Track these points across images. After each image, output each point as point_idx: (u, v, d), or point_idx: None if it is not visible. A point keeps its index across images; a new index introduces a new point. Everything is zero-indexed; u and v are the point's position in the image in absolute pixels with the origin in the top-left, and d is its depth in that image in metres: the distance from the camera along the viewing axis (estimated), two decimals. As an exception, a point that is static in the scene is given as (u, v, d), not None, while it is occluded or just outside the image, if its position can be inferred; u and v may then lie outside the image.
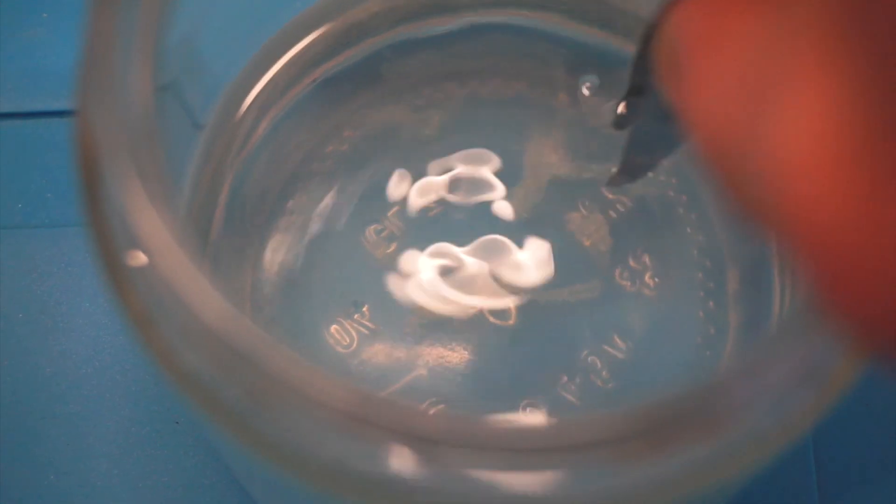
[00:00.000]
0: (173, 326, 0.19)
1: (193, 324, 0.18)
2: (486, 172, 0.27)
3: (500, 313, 0.26)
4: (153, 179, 0.18)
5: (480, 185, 0.27)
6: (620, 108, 0.22)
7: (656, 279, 0.27)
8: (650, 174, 0.27)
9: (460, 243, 0.27)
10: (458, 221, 0.27)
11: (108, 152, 0.18)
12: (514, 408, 0.25)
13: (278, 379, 0.17)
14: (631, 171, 0.24)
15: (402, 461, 0.17)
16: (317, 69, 0.27)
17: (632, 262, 0.27)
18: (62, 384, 0.28)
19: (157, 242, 0.18)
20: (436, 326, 0.26)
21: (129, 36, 0.19)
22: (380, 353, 0.26)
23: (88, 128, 0.19)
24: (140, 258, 0.18)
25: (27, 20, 0.31)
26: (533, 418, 0.25)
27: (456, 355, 0.26)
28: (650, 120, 0.22)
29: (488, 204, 0.27)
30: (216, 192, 0.26)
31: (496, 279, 0.26)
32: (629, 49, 0.27)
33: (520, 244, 0.27)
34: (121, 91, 0.18)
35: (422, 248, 0.27)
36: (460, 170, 0.27)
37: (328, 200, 0.27)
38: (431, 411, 0.25)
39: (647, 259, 0.27)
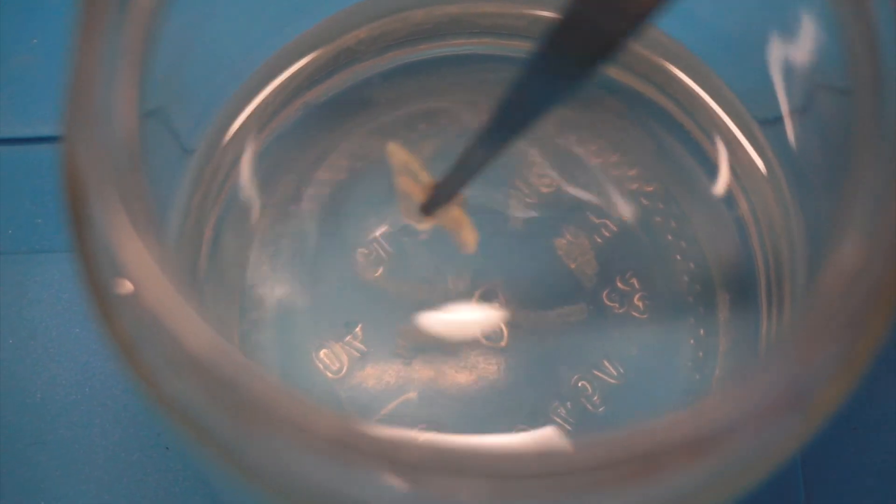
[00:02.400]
0: (159, 354, 0.19)
1: (178, 352, 0.18)
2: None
3: (492, 335, 0.26)
4: (138, 208, 0.18)
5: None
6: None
7: (646, 301, 0.27)
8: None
9: (448, 266, 0.27)
10: (446, 244, 0.27)
11: (93, 181, 0.18)
12: (506, 432, 0.26)
13: (263, 407, 0.18)
14: (443, 197, 0.25)
15: (385, 488, 0.17)
16: (305, 95, 0.27)
17: (620, 285, 0.27)
18: (52, 409, 0.28)
19: (141, 271, 0.18)
20: (427, 349, 0.26)
21: (115, 63, 0.19)
22: (370, 376, 0.26)
23: (74, 155, 0.19)
24: (126, 287, 0.18)
25: (16, 46, 0.31)
26: (517, 444, 0.25)
27: (447, 379, 0.26)
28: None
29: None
30: (205, 217, 0.26)
31: (487, 302, 0.26)
32: (622, 79, 0.28)
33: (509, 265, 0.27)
34: (106, 119, 0.18)
35: (410, 271, 0.27)
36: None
37: (316, 225, 0.27)
38: (421, 437, 0.25)
39: (635, 282, 0.27)
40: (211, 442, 0.19)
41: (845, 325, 0.18)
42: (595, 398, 0.26)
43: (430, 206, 0.25)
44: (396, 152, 0.24)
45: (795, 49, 0.24)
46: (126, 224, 0.18)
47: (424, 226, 0.25)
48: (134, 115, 0.19)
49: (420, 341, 0.26)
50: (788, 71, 0.25)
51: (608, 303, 0.27)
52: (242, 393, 0.17)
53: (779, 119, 0.26)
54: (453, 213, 0.25)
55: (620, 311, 0.27)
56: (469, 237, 0.25)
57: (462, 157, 0.23)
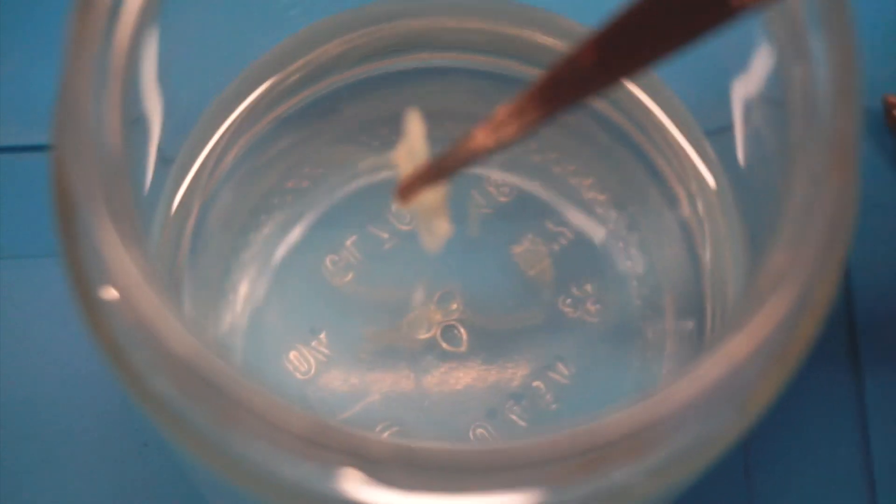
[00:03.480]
0: (143, 356, 0.20)
1: (162, 355, 0.19)
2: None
3: (451, 339, 0.28)
4: (124, 217, 0.20)
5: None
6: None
7: (598, 306, 0.28)
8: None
9: (411, 273, 0.28)
10: (411, 252, 0.28)
11: (82, 190, 0.20)
12: (465, 431, 0.27)
13: (240, 405, 0.19)
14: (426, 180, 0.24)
15: (351, 482, 0.19)
16: (277, 108, 0.29)
17: (574, 291, 0.28)
18: (36, 406, 0.29)
19: (127, 279, 0.19)
20: (389, 353, 0.28)
21: (102, 78, 0.20)
22: (336, 379, 0.28)
23: (63, 165, 0.21)
24: (112, 293, 0.20)
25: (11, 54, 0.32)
26: (472, 442, 0.27)
27: (408, 381, 0.28)
28: None
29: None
30: (182, 224, 0.28)
31: (447, 306, 0.28)
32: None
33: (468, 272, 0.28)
34: (94, 131, 0.20)
35: (378, 277, 0.28)
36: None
37: (288, 232, 0.28)
38: (384, 435, 0.27)
39: (588, 287, 0.28)
40: (191, 438, 0.20)
41: (775, 325, 0.20)
42: (548, 397, 0.27)
43: (409, 188, 0.24)
44: (413, 121, 0.24)
45: (740, 65, 0.25)
46: (113, 233, 0.19)
47: (400, 205, 0.24)
48: (119, 127, 0.20)
49: (382, 345, 0.28)
50: (734, 84, 0.26)
51: (562, 307, 0.28)
52: (222, 393, 0.19)
53: (726, 129, 0.27)
54: (432, 199, 0.24)
55: (574, 315, 0.28)
56: (441, 228, 0.24)
57: (457, 144, 0.22)
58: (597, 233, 0.29)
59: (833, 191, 0.19)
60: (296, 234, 0.28)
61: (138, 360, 0.20)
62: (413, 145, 0.24)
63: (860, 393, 0.30)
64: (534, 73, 0.29)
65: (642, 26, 0.19)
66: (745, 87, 0.26)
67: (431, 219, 0.24)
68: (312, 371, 0.27)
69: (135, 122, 0.22)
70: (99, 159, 0.19)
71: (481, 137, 0.21)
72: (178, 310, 0.19)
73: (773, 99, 0.23)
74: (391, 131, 0.29)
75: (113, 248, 0.19)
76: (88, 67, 0.19)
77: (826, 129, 0.20)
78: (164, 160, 0.26)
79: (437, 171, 0.23)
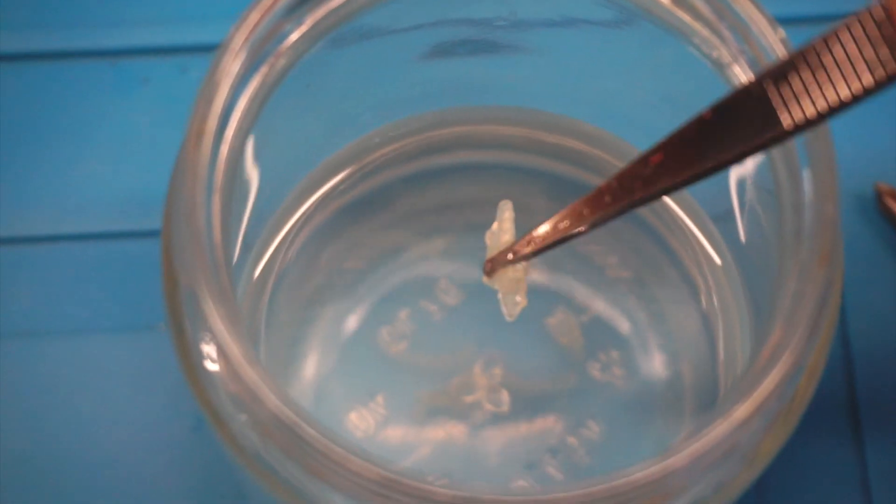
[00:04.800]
0: (241, 417, 0.24)
1: (261, 416, 0.23)
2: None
3: (495, 401, 0.31)
4: (226, 301, 0.23)
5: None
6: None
7: (623, 370, 0.32)
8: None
9: (460, 341, 0.32)
10: (458, 323, 0.32)
11: (194, 280, 0.23)
12: (507, 482, 0.31)
13: (326, 458, 0.23)
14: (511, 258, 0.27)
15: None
16: (339, 199, 0.32)
17: (602, 357, 0.32)
18: (125, 468, 0.33)
19: (233, 354, 0.23)
20: (439, 413, 0.31)
21: (210, 186, 0.24)
22: (392, 435, 0.31)
23: (174, 257, 0.25)
24: (216, 365, 0.24)
25: (84, 154, 0.36)
26: (518, 490, 0.30)
27: (456, 437, 0.31)
28: None
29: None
30: (258, 299, 0.31)
31: (490, 372, 0.32)
32: (593, 180, 0.33)
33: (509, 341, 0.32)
34: (205, 231, 0.24)
35: (429, 346, 0.32)
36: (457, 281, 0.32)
37: (348, 307, 0.32)
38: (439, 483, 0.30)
39: (615, 354, 0.32)
40: (281, 487, 0.24)
41: (775, 390, 0.23)
42: (581, 451, 0.31)
43: (494, 265, 0.27)
44: (504, 209, 0.28)
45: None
46: (219, 315, 0.23)
47: (486, 279, 0.28)
48: (220, 226, 0.24)
49: (433, 406, 0.31)
50: (732, 174, 0.30)
51: (592, 372, 0.32)
52: (312, 448, 0.22)
53: (728, 213, 0.31)
54: (513, 275, 0.27)
55: (602, 378, 0.32)
56: (520, 300, 0.28)
57: (538, 232, 0.26)
58: (621, 305, 0.32)
59: (819, 280, 0.23)
60: (355, 308, 0.32)
61: (236, 421, 0.24)
62: (502, 230, 0.28)
63: (862, 463, 0.33)
64: (562, 167, 0.33)
65: (703, 140, 0.23)
66: (743, 177, 0.29)
67: (512, 291, 0.28)
68: (372, 429, 0.31)
69: (230, 216, 0.26)
70: (207, 254, 0.23)
71: (560, 227, 0.26)
72: (272, 379, 0.23)
73: (767, 188, 0.27)
74: (437, 218, 0.33)
75: (220, 327, 0.23)
76: (201, 182, 0.23)
77: (812, 228, 0.23)
78: (246, 245, 0.29)
79: (518, 253, 0.27)
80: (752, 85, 0.23)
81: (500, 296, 0.28)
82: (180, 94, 0.36)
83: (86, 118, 0.36)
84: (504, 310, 0.28)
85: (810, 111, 0.22)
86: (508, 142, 0.33)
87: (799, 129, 0.22)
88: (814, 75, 0.22)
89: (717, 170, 0.23)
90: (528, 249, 0.26)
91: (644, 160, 0.24)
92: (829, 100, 0.22)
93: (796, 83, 0.22)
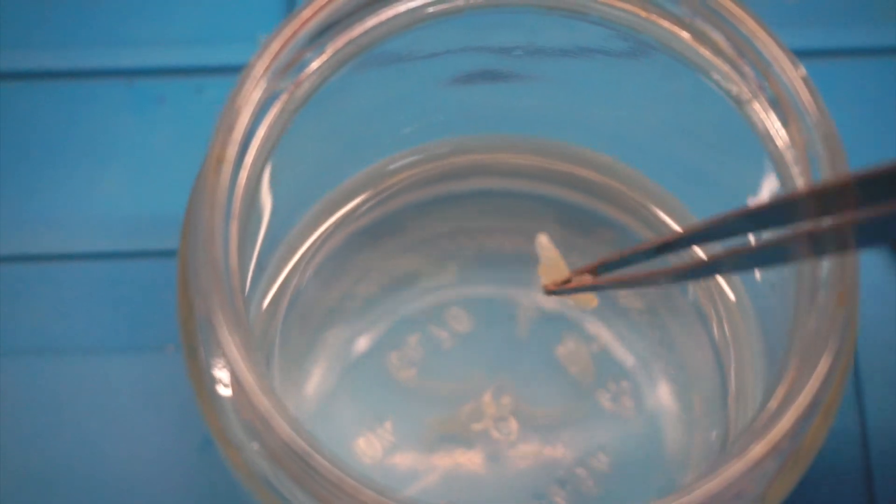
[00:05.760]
0: (252, 444, 0.24)
1: (272, 443, 0.23)
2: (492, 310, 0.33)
3: (503, 429, 0.31)
4: (241, 327, 0.24)
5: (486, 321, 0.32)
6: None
7: (633, 401, 0.32)
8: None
9: (468, 369, 0.32)
10: (467, 350, 0.32)
11: (205, 303, 0.23)
12: (515, 512, 0.31)
13: (335, 487, 0.23)
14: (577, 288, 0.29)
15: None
16: (352, 225, 0.33)
17: (612, 387, 0.32)
18: (131, 487, 0.33)
19: (247, 381, 0.23)
20: (448, 440, 0.31)
21: (228, 212, 0.24)
22: (400, 462, 0.31)
23: (189, 281, 0.25)
24: (229, 390, 0.24)
25: (99, 173, 0.36)
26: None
27: (464, 465, 0.31)
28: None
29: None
30: (271, 321, 0.31)
31: (500, 400, 0.32)
32: (605, 210, 0.33)
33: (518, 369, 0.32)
34: (221, 258, 0.24)
35: (438, 372, 0.32)
36: (469, 308, 0.32)
37: (359, 331, 0.32)
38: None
39: (625, 384, 0.32)
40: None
41: (789, 431, 0.23)
42: (590, 482, 0.31)
43: (557, 292, 0.28)
44: (544, 243, 0.30)
45: (754, 192, 0.29)
46: (234, 341, 0.23)
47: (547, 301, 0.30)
48: (236, 252, 0.24)
49: (442, 433, 0.31)
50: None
51: (602, 402, 0.32)
52: (322, 476, 0.22)
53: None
54: (586, 298, 0.30)
55: (612, 409, 0.32)
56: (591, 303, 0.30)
57: (616, 277, 0.27)
58: (632, 336, 0.32)
59: (839, 319, 0.23)
60: (366, 332, 0.32)
61: (247, 447, 0.24)
62: (550, 259, 0.29)
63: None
64: (572, 194, 0.33)
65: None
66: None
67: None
68: (379, 455, 0.31)
69: (245, 240, 0.26)
70: (224, 281, 0.23)
71: (633, 278, 0.26)
72: (285, 408, 0.23)
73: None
74: (450, 244, 0.33)
75: (234, 354, 0.23)
76: (220, 209, 0.23)
77: (831, 266, 0.23)
78: (259, 267, 0.29)
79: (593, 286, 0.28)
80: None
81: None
82: (196, 114, 0.36)
83: (101, 137, 0.36)
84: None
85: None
86: (522, 170, 0.33)
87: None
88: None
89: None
90: (605, 280, 0.27)
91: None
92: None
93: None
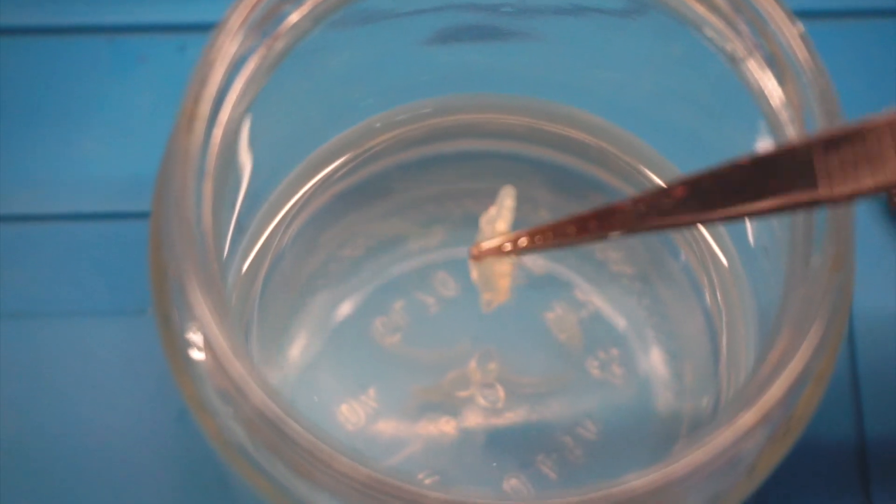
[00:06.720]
0: (227, 410, 0.23)
1: (246, 411, 0.22)
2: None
3: (489, 396, 0.31)
4: (215, 291, 0.23)
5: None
6: None
7: (622, 369, 0.31)
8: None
9: (454, 335, 0.31)
10: (454, 316, 0.31)
11: (181, 268, 0.23)
12: (499, 481, 0.30)
13: (311, 456, 0.22)
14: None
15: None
16: (339, 185, 0.32)
17: (601, 354, 0.31)
18: (109, 452, 0.32)
19: (220, 346, 0.22)
20: (432, 408, 0.31)
21: (202, 171, 0.23)
22: (382, 430, 0.30)
23: (162, 243, 0.24)
24: (203, 356, 0.23)
25: (79, 133, 0.35)
26: (510, 494, 0.29)
27: (448, 433, 0.30)
28: None
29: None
30: (251, 285, 0.31)
31: (486, 367, 0.31)
32: (597, 173, 0.32)
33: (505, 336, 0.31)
34: (194, 218, 0.23)
35: (423, 338, 0.31)
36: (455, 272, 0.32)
37: (342, 296, 0.31)
38: (426, 482, 0.30)
39: (614, 352, 0.31)
40: (264, 482, 0.23)
41: (780, 399, 0.22)
42: (577, 451, 0.30)
43: (483, 252, 0.26)
44: (506, 195, 0.27)
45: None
46: (207, 305, 0.22)
47: (474, 261, 0.26)
48: (211, 213, 0.23)
49: (426, 400, 0.31)
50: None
51: (590, 369, 0.31)
52: (297, 446, 0.22)
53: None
54: (499, 268, 0.26)
55: (601, 376, 0.31)
56: (501, 293, 0.27)
57: (541, 230, 0.25)
58: (622, 302, 0.32)
59: (832, 285, 0.22)
60: (349, 297, 0.31)
61: (222, 414, 0.23)
62: (499, 216, 0.27)
63: (865, 477, 0.33)
64: (563, 157, 0.33)
65: (734, 185, 0.22)
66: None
67: (495, 282, 0.27)
68: (362, 422, 0.30)
69: (220, 199, 0.25)
70: (197, 242, 0.23)
71: (562, 232, 0.24)
72: (259, 373, 0.22)
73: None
74: (436, 207, 0.32)
75: (207, 317, 0.22)
76: (192, 167, 0.22)
77: (825, 231, 0.23)
78: (239, 228, 0.29)
79: (512, 246, 0.25)
80: (799, 146, 0.22)
81: (476, 283, 0.27)
82: (178, 73, 0.34)
83: (81, 96, 0.36)
84: (482, 301, 0.27)
85: (852, 187, 0.21)
86: (511, 131, 0.32)
87: (835, 201, 0.22)
88: (865, 154, 0.21)
89: (735, 219, 0.23)
90: (522, 245, 0.25)
91: (666, 191, 0.23)
92: (875, 181, 0.21)
93: (846, 156, 0.21)
